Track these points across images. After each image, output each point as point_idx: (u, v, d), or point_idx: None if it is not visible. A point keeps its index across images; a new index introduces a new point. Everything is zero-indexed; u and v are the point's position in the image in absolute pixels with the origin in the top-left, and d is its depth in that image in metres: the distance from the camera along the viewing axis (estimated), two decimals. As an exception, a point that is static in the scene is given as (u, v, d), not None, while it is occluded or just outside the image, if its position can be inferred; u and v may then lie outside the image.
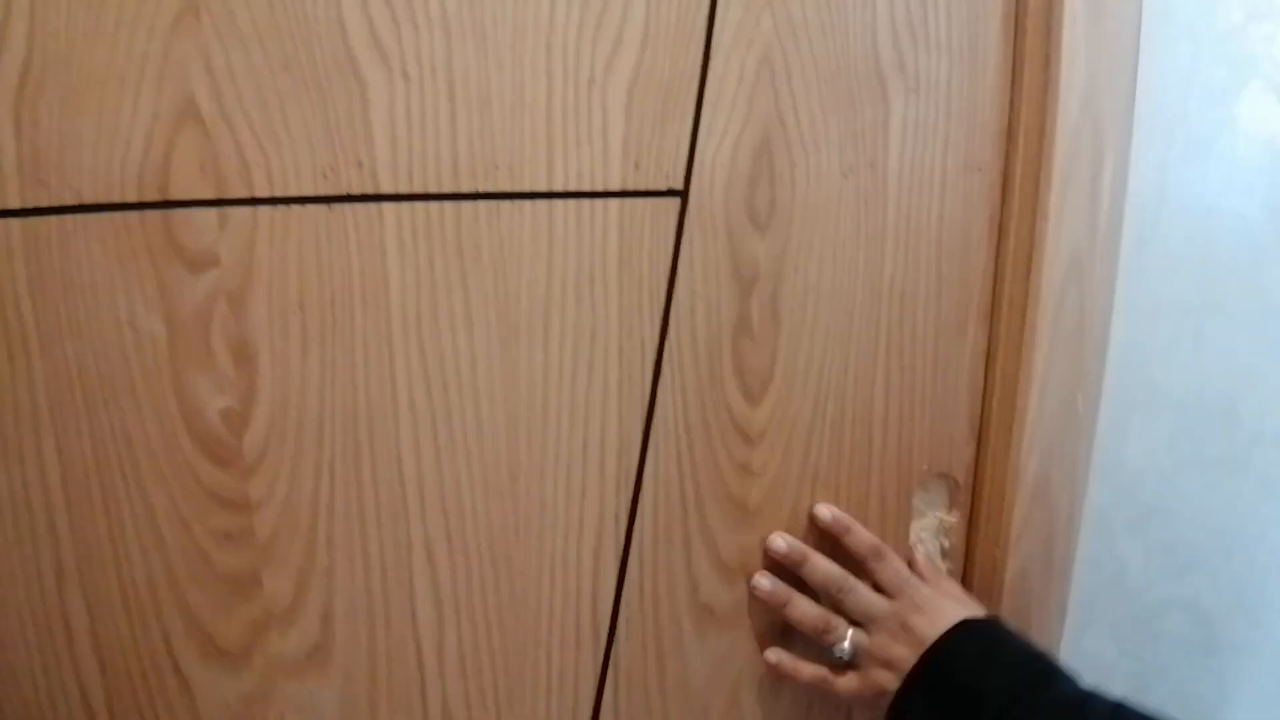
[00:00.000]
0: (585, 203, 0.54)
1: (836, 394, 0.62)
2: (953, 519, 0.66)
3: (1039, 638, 0.62)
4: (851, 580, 0.61)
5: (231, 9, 0.47)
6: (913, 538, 0.66)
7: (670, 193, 0.55)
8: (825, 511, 0.62)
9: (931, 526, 0.66)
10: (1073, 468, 0.66)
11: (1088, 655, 0.72)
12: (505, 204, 0.53)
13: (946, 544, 0.66)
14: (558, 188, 0.54)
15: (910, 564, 0.63)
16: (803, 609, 0.61)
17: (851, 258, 0.60)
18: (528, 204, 0.53)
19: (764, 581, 0.61)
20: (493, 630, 0.58)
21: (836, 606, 0.61)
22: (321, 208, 0.51)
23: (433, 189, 0.52)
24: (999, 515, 0.65)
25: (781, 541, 0.62)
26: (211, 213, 0.49)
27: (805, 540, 0.62)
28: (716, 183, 0.56)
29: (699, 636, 0.62)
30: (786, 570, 0.62)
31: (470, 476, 0.56)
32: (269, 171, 0.50)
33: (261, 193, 0.50)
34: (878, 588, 0.61)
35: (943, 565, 0.66)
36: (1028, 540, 0.65)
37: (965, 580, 0.67)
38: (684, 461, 0.59)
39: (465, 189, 0.52)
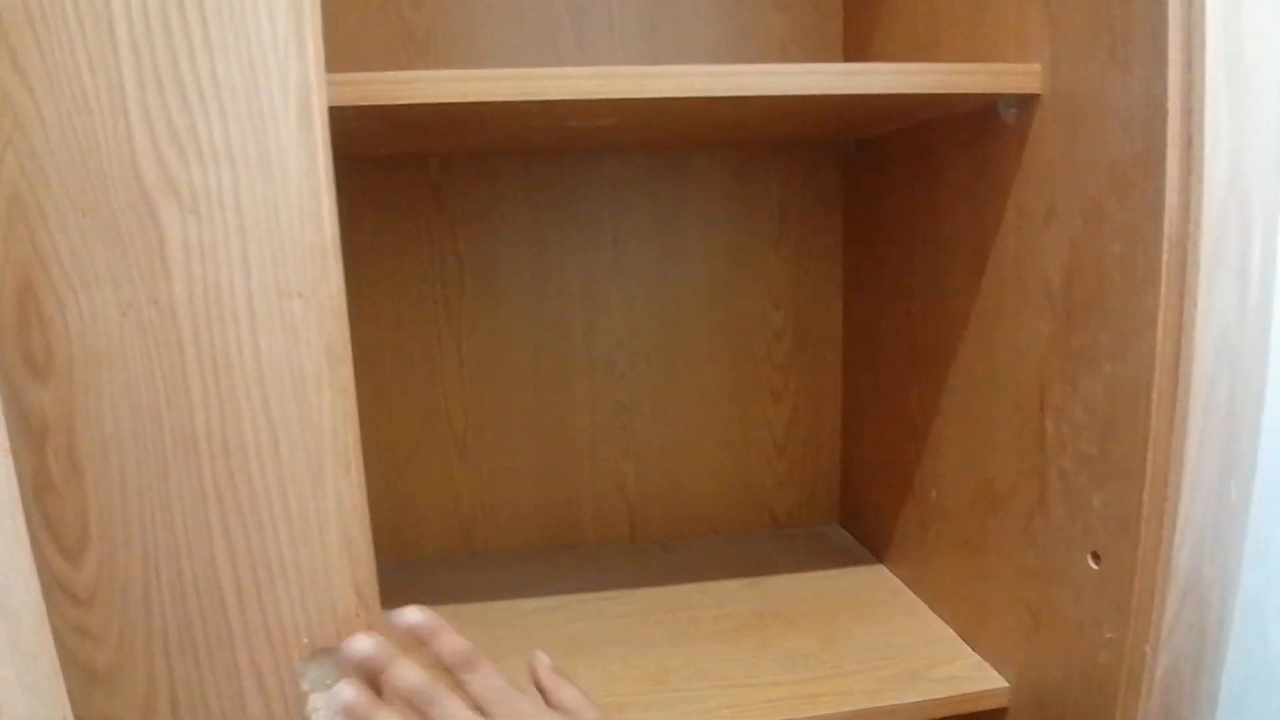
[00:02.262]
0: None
1: (168, 553, 0.56)
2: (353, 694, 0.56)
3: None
4: (441, 692, 0.55)
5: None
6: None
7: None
8: (412, 616, 0.56)
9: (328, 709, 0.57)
10: (1225, 559, 0.63)
11: (1240, 749, 0.68)
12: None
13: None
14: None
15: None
16: None
17: (151, 403, 0.54)
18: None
19: (347, 691, 0.55)
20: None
21: None
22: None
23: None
24: (1149, 610, 0.61)
25: (366, 643, 0.56)
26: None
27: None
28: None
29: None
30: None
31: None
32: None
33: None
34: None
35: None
36: (1179, 635, 0.62)
37: (1113, 677, 0.63)
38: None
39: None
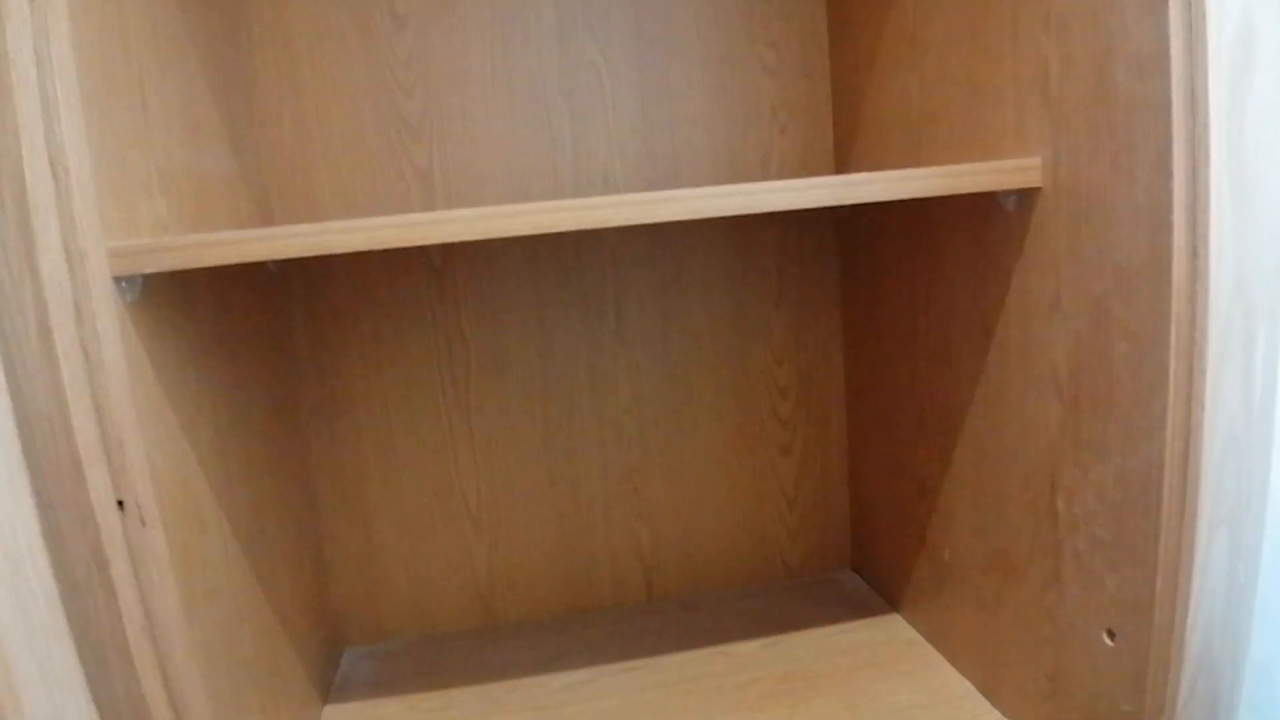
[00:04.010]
0: None
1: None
2: None
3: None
4: None
5: None
6: None
7: None
8: None
9: None
10: (1235, 634, 0.65)
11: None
12: None
13: None
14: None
15: None
16: None
17: None
18: None
19: None
20: None
21: None
22: None
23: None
24: (1163, 686, 0.64)
25: None
26: None
27: None
28: None
29: None
30: None
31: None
32: None
33: None
34: None
35: None
36: (1193, 708, 0.64)
37: (1133, 751, 0.66)
38: None
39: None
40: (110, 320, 0.53)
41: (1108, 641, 0.68)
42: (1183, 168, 0.56)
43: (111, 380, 0.53)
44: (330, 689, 0.96)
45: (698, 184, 1.02)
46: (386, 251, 0.98)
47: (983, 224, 0.76)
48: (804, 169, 1.04)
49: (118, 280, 0.55)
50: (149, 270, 0.55)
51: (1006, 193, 0.71)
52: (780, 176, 1.04)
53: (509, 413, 1.03)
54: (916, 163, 0.85)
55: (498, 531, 1.05)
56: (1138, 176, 0.59)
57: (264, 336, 0.88)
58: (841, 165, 1.03)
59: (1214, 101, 0.54)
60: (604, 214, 0.62)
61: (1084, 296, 0.65)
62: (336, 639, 1.03)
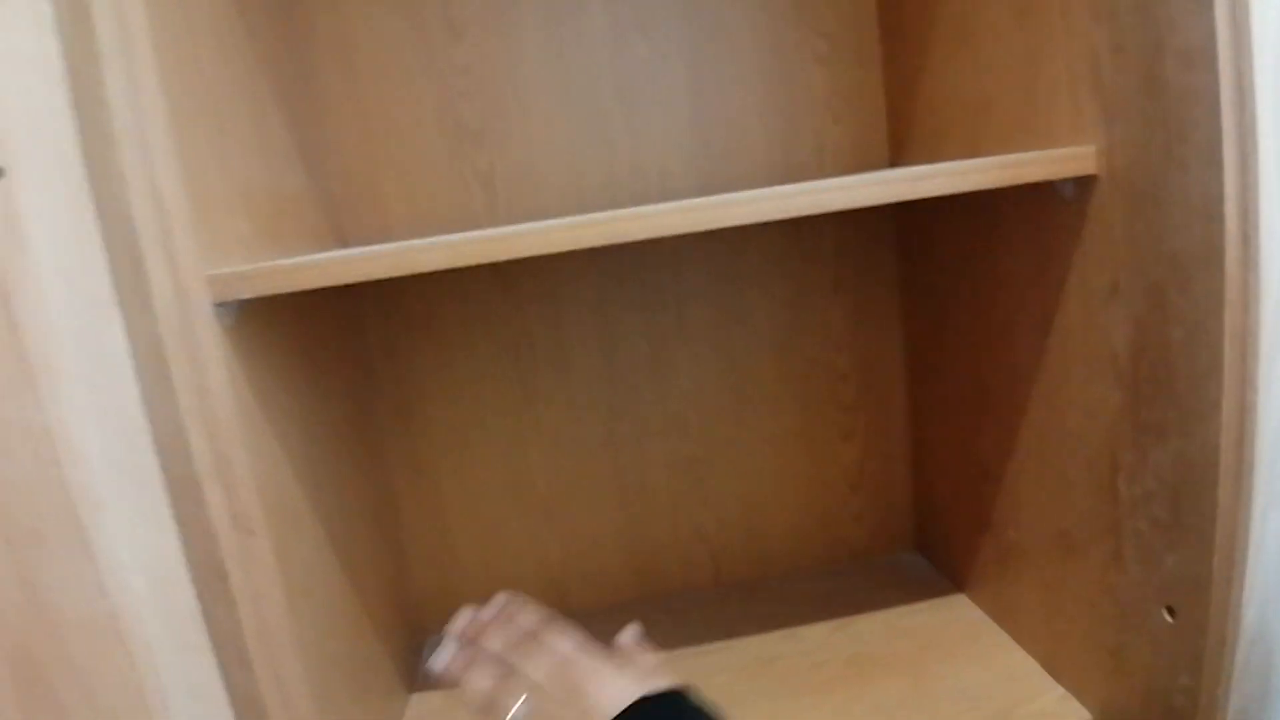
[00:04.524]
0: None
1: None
2: None
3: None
4: (524, 649, 0.63)
5: None
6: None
7: None
8: (498, 597, 0.70)
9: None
10: (1293, 608, 0.66)
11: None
12: None
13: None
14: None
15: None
16: (477, 677, 0.63)
17: None
18: None
19: (444, 653, 0.65)
20: None
21: (507, 677, 0.62)
22: None
23: None
24: (1220, 660, 0.65)
25: (463, 616, 0.68)
26: None
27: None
28: None
29: None
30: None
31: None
32: None
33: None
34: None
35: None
36: (1248, 681, 0.66)
37: (1189, 718, 0.68)
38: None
39: None
40: (214, 347, 0.57)
41: (1167, 618, 0.69)
42: (1233, 160, 0.57)
43: (219, 404, 0.57)
44: (415, 678, 1.01)
45: (753, 176, 1.04)
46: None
47: (1040, 211, 0.77)
48: (858, 158, 1.05)
49: (217, 306, 0.59)
50: (245, 296, 0.59)
51: (1064, 180, 0.72)
52: (835, 166, 1.05)
53: (576, 406, 1.07)
54: (973, 151, 0.86)
55: (567, 521, 1.09)
56: (1190, 166, 0.60)
57: (341, 344, 0.92)
58: (896, 154, 1.04)
59: (1260, 95, 0.54)
60: (672, 221, 0.64)
61: (1141, 283, 0.66)
62: (417, 629, 1.08)
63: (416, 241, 0.61)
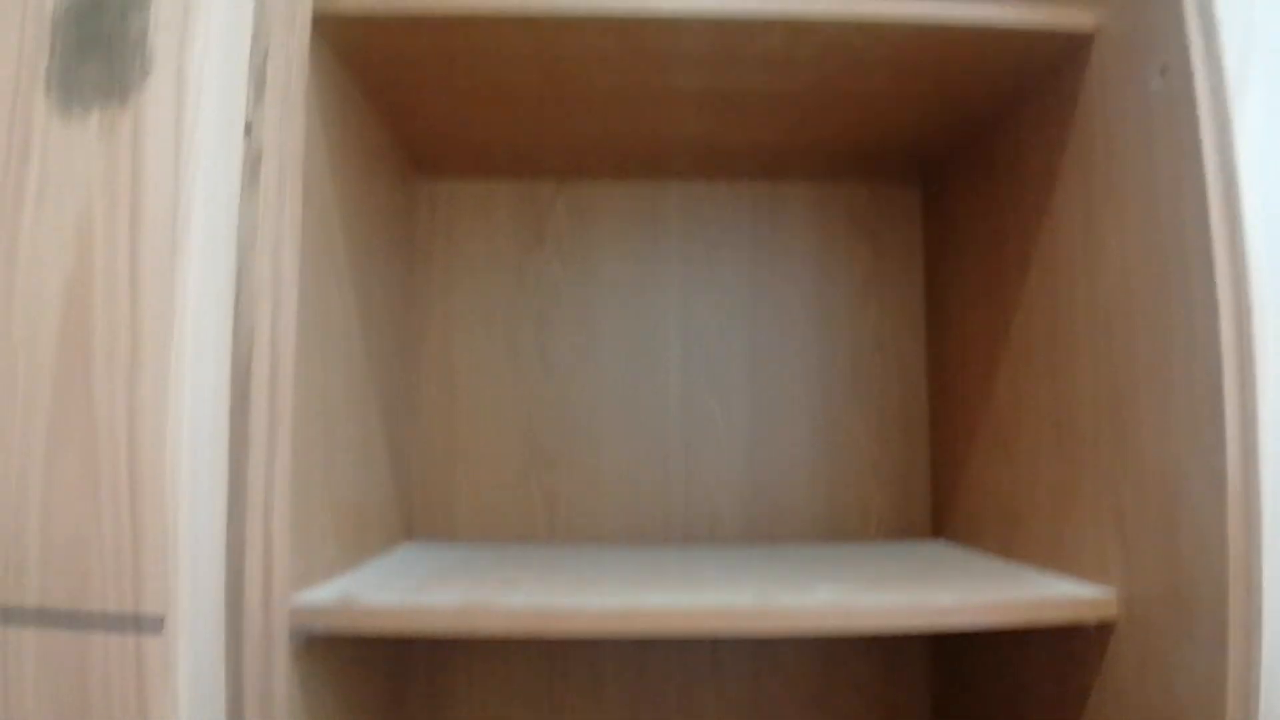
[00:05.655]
0: None
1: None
2: None
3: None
4: None
5: None
6: None
7: None
8: None
9: None
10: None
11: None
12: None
13: None
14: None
15: None
16: None
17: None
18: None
19: None
20: None
21: None
22: None
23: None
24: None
25: None
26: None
27: None
28: None
29: None
30: None
31: None
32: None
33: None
34: None
35: None
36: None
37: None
38: None
39: None
40: (283, 673, 0.62)
41: None
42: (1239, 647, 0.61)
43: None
44: None
45: (799, 529, 1.10)
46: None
47: (1064, 640, 0.80)
48: (901, 524, 1.11)
49: (292, 633, 0.65)
50: (318, 629, 0.65)
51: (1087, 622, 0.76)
52: (879, 530, 1.11)
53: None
54: (1007, 552, 0.91)
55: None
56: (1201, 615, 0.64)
57: (387, 686, 0.96)
58: (939, 528, 1.09)
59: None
60: (715, 624, 0.67)
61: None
62: None
63: (478, 604, 0.66)
